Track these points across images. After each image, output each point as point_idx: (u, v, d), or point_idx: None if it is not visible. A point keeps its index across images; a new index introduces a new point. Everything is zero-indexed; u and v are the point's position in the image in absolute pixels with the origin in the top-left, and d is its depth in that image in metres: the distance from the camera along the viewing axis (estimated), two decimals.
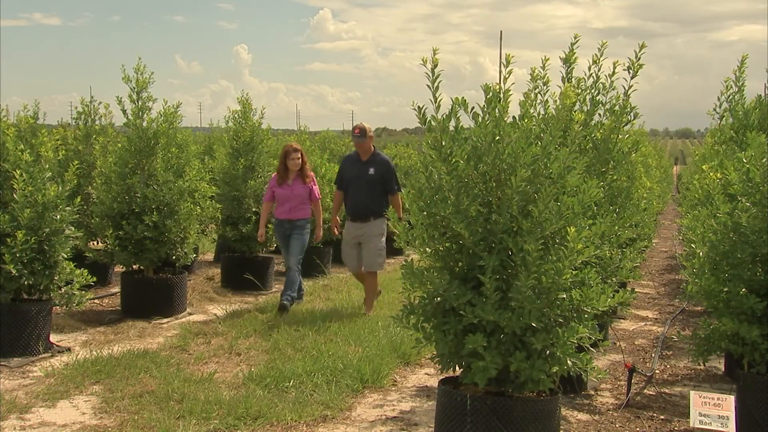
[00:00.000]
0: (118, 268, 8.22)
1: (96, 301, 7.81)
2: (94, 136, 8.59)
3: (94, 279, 6.09)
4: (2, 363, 5.43)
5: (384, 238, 7.40)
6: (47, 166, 5.69)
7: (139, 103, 7.20)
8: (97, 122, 8.72)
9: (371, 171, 7.28)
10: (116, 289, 8.09)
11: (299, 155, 7.57)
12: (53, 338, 6.01)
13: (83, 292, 6.00)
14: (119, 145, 7.44)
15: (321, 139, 12.96)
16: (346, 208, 7.50)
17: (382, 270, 7.61)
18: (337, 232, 7.86)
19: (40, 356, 5.66)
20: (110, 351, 5.77)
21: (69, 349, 5.90)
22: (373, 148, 7.44)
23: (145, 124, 7.22)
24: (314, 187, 7.67)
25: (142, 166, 7.22)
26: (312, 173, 7.77)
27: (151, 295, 7.25)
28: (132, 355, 5.61)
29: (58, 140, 6.15)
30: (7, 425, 4.22)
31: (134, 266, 7.37)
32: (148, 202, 7.07)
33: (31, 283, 5.58)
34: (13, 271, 5.38)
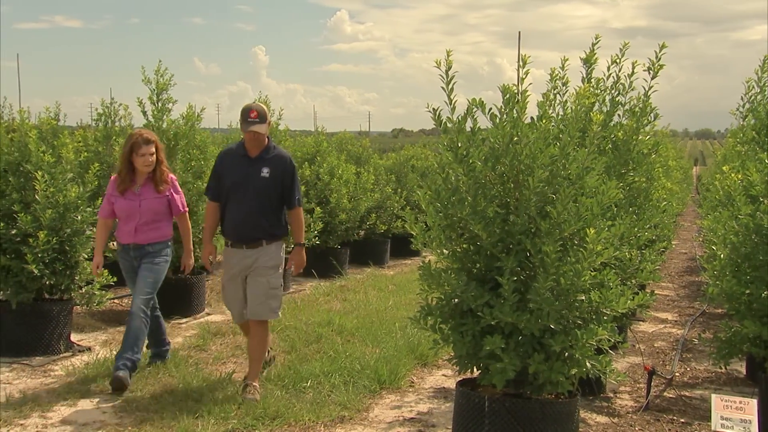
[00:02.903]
0: None
1: (116, 300, 7.88)
2: (114, 138, 8.67)
3: (115, 279, 6.14)
4: (25, 362, 5.50)
5: (281, 271, 4.98)
6: (68, 167, 5.76)
7: (159, 104, 7.26)
8: (117, 124, 8.80)
9: (264, 172, 4.88)
10: None
11: (153, 149, 5.15)
12: (74, 337, 6.08)
13: (103, 292, 6.06)
14: None
15: (338, 140, 12.97)
16: (224, 227, 5.03)
17: (277, 317, 5.07)
18: (210, 264, 5.22)
19: (62, 355, 5.73)
20: None
21: (89, 349, 5.96)
22: (267, 140, 5.00)
23: (165, 125, 7.28)
24: (176, 195, 5.33)
25: None
26: (173, 176, 5.41)
27: (170, 296, 7.28)
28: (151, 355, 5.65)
29: (79, 142, 6.20)
30: (30, 423, 4.28)
31: None
32: None
33: (52, 282, 5.64)
34: (35, 271, 5.44)
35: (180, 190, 5.43)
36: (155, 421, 4.30)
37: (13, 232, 5.53)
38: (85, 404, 4.63)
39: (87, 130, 9.47)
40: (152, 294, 5.18)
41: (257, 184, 4.87)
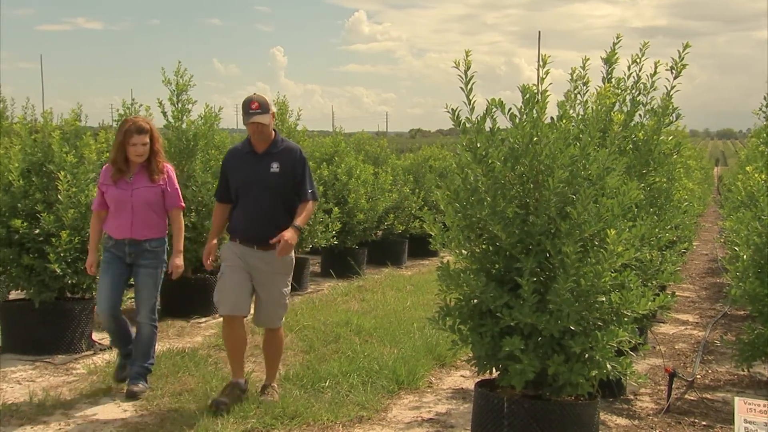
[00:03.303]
0: None
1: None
2: None
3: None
4: (47, 360, 5.58)
5: (291, 277, 4.78)
6: (90, 167, 5.83)
7: (179, 105, 7.33)
8: None
9: (274, 167, 4.60)
10: None
11: (146, 139, 4.78)
12: (95, 336, 6.14)
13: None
14: None
15: (356, 140, 13.00)
16: (232, 227, 4.74)
17: (282, 324, 4.93)
18: (210, 265, 4.80)
19: (83, 354, 5.80)
20: None
21: (110, 347, 6.02)
22: (274, 133, 4.72)
23: (184, 126, 7.35)
24: (172, 187, 4.93)
25: (182, 167, 7.33)
26: (170, 166, 5.03)
27: (190, 295, 7.36)
28: (171, 354, 5.70)
29: (102, 143, 6.28)
30: (53, 420, 4.33)
31: None
32: (187, 202, 7.17)
33: (74, 282, 5.71)
34: (58, 271, 5.51)
35: (176, 184, 4.99)
36: (176, 419, 4.34)
37: (36, 232, 5.61)
38: (107, 402, 4.68)
39: (108, 131, 9.56)
40: (155, 299, 4.93)
41: (267, 181, 4.59)
